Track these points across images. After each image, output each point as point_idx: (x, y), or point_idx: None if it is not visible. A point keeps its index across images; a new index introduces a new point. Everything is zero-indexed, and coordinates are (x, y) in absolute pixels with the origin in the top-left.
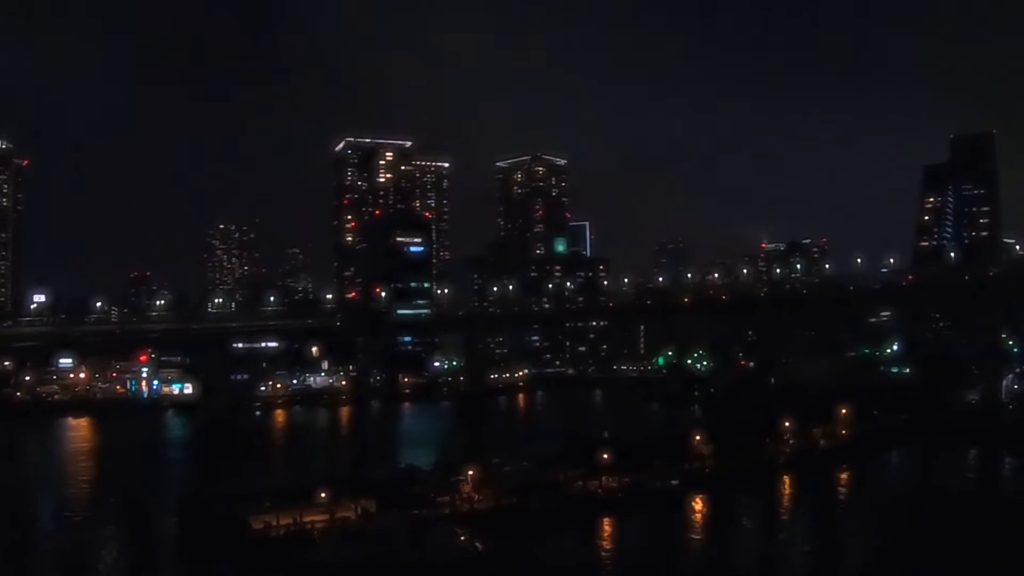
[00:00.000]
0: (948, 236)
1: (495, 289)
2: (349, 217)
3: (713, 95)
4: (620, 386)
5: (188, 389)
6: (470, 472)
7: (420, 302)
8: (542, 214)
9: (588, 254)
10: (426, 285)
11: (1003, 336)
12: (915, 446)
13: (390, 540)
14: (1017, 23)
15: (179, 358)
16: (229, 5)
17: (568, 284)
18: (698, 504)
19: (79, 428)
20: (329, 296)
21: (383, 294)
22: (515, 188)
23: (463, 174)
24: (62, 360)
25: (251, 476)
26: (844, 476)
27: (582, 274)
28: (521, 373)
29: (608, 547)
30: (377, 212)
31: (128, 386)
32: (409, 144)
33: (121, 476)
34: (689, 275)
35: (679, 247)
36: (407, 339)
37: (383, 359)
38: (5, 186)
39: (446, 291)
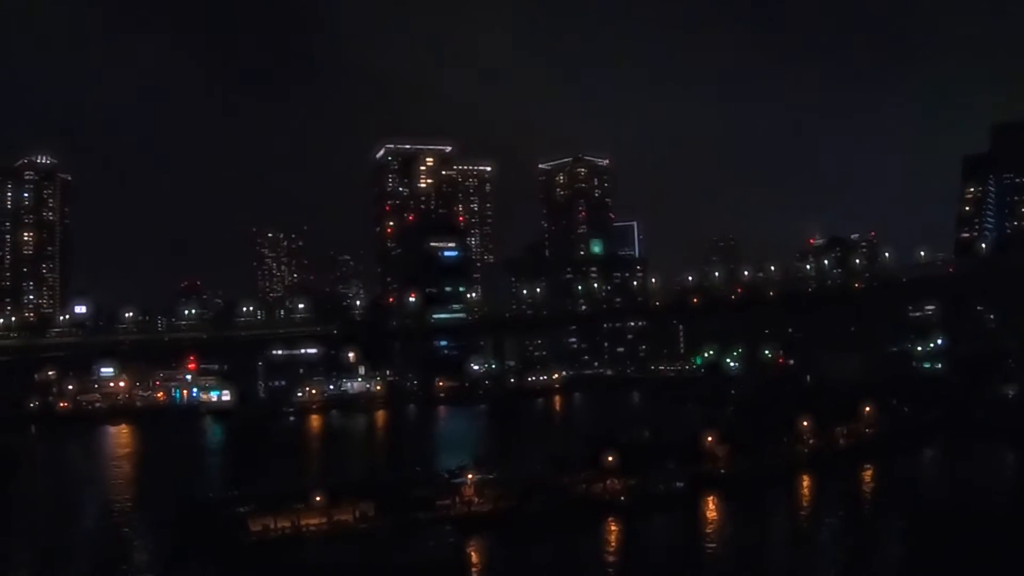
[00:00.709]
0: (989, 226)
1: (530, 292)
2: (391, 223)
3: (757, 92)
4: (657, 387)
5: (225, 396)
6: (469, 476)
7: (455, 306)
8: (585, 215)
9: (636, 254)
10: (461, 289)
11: None
12: (946, 444)
13: (379, 543)
14: None
15: (216, 366)
16: (265, 12)
17: (606, 285)
18: (709, 506)
19: (119, 435)
20: (358, 303)
21: (412, 299)
22: (557, 190)
23: (506, 177)
24: (103, 369)
25: (275, 479)
26: (866, 476)
27: (618, 275)
28: (557, 375)
29: (602, 550)
30: (411, 217)
31: (171, 394)
32: (449, 149)
33: (152, 481)
34: (739, 272)
35: (730, 244)
36: (443, 343)
37: (420, 363)
38: (51, 200)
39: (480, 295)
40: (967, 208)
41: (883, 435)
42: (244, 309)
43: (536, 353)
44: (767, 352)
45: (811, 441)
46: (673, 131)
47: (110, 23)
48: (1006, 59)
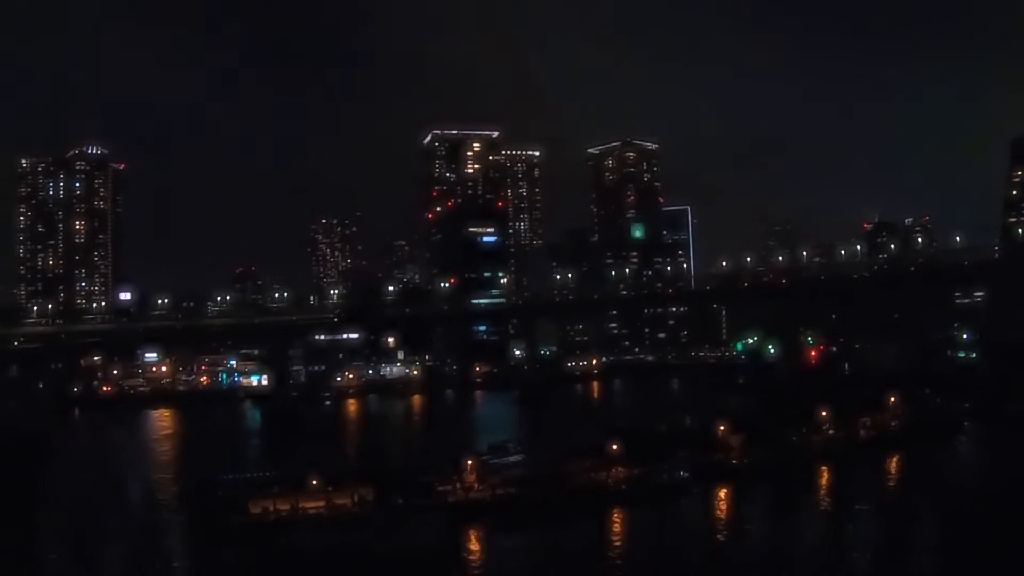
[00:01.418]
0: None
1: (571, 277)
2: (439, 208)
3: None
4: (697, 373)
5: (264, 380)
6: (469, 462)
7: (494, 291)
8: (634, 200)
9: (690, 239)
10: (500, 274)
11: None
12: (974, 436)
13: (368, 528)
14: None
15: (256, 351)
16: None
17: (647, 270)
18: (715, 497)
19: (160, 419)
20: (391, 288)
21: (448, 284)
22: (606, 174)
23: (556, 162)
24: (147, 354)
25: (294, 463)
26: (884, 468)
27: (659, 260)
28: (595, 361)
29: (595, 539)
30: (450, 203)
31: (215, 378)
32: (496, 134)
33: (181, 462)
34: (788, 257)
35: (787, 229)
36: (482, 328)
37: (459, 348)
38: (102, 190)
39: (524, 280)
40: (1014, 192)
41: (909, 426)
42: (275, 295)
43: (577, 338)
44: (809, 339)
45: (831, 432)
46: (731, 115)
47: (152, 15)
48: None
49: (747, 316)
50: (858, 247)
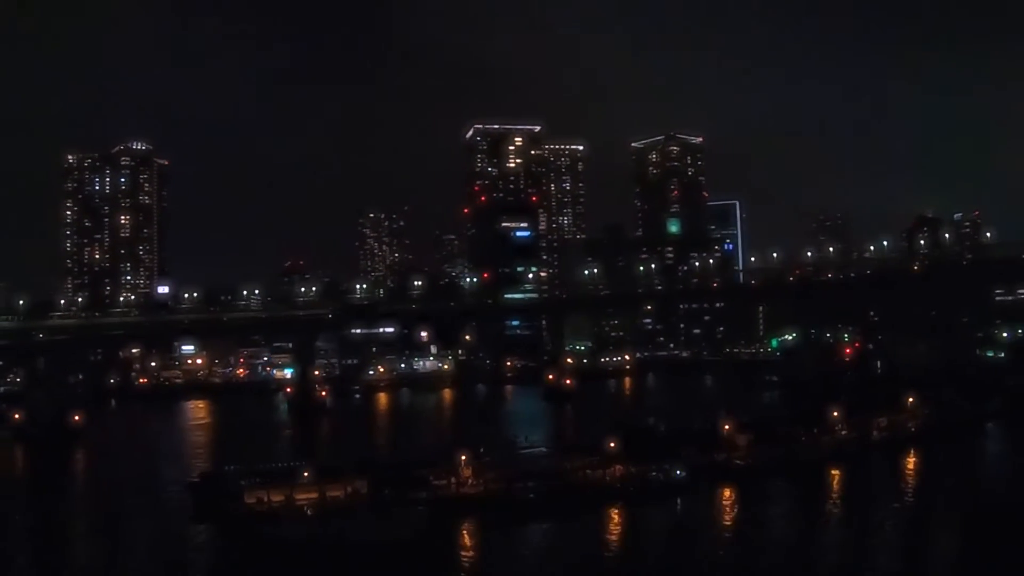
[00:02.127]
0: None
1: (604, 272)
2: (478, 203)
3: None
4: (730, 370)
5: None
6: (462, 457)
7: (527, 286)
8: (677, 194)
9: (739, 234)
10: (533, 269)
11: None
12: (998, 438)
13: (352, 519)
14: None
15: (290, 344)
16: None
17: (682, 265)
18: (716, 497)
19: (194, 410)
20: (418, 283)
21: (472, 279)
22: (650, 168)
23: (600, 156)
24: (184, 347)
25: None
26: (896, 469)
27: (695, 254)
28: (628, 356)
29: (581, 538)
30: (482, 199)
31: (253, 371)
32: (538, 129)
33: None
34: (834, 251)
35: (837, 224)
36: (515, 323)
37: (492, 343)
38: (147, 184)
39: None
40: None
41: (927, 427)
42: (301, 289)
43: (612, 334)
44: (846, 336)
45: (843, 432)
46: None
47: (201, 11)
48: None
49: (785, 312)
50: (907, 242)
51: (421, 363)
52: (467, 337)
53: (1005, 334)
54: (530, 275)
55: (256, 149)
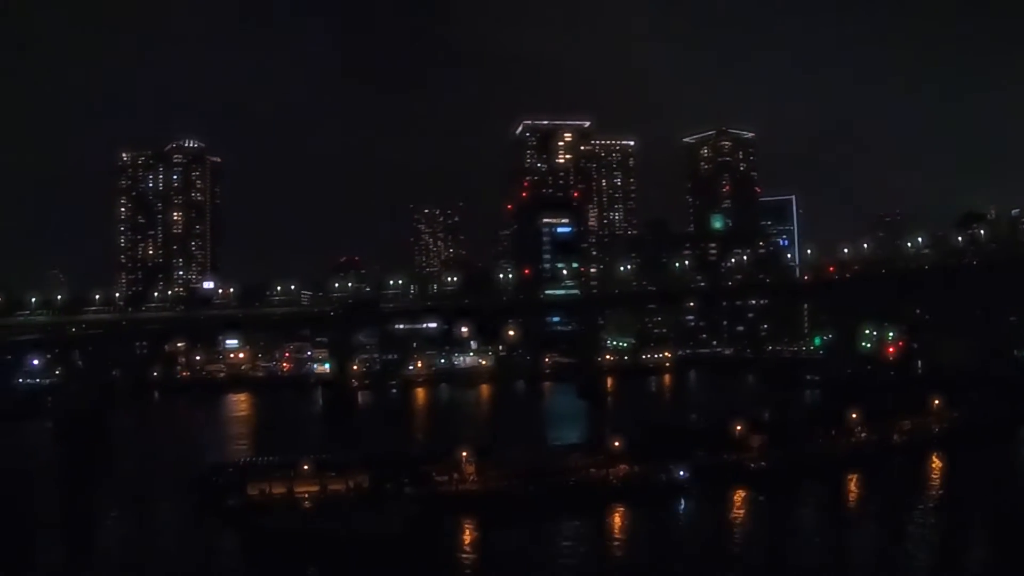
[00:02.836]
0: None
1: (648, 268)
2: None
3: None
4: (771, 368)
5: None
6: (464, 454)
7: (568, 282)
8: (729, 189)
9: (795, 229)
10: (574, 265)
11: None
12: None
13: (344, 511)
14: None
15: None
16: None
17: (724, 262)
18: (721, 500)
19: (235, 403)
20: (453, 279)
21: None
22: (701, 163)
23: (651, 152)
24: (228, 341)
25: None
26: (915, 474)
27: (739, 250)
28: (668, 353)
29: (575, 538)
30: (524, 195)
31: (301, 366)
32: (588, 124)
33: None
34: (888, 247)
35: (896, 219)
36: (556, 319)
37: (532, 339)
38: (199, 182)
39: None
40: None
41: (952, 430)
42: (335, 284)
43: (655, 331)
44: (890, 334)
45: (862, 435)
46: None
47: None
48: None
49: (830, 310)
50: (959, 238)
51: (461, 359)
52: (510, 333)
53: None
54: (567, 271)
55: (310, 147)
